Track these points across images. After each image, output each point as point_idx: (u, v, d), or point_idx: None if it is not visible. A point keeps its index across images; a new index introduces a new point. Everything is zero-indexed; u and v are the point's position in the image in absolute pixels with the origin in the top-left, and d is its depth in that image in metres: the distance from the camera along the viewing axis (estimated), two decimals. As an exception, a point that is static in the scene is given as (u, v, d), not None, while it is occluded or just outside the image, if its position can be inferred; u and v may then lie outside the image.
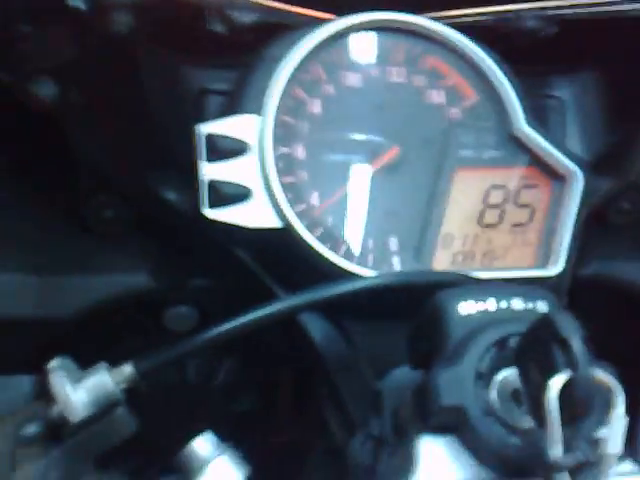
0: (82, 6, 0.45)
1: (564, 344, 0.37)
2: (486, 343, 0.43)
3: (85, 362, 0.67)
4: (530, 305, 0.46)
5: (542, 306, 0.46)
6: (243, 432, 0.73)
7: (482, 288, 0.48)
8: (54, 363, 0.54)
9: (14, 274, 0.62)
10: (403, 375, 0.51)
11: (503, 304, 0.46)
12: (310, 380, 0.67)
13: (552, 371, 0.37)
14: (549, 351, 0.37)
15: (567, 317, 0.38)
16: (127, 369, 0.55)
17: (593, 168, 0.65)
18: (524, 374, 0.40)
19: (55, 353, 0.65)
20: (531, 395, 0.39)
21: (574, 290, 0.64)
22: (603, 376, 0.38)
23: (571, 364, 0.37)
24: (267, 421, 0.78)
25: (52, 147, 0.60)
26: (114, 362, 0.71)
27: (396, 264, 0.61)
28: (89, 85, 0.55)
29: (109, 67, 0.55)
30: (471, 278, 0.56)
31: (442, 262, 0.62)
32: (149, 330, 0.69)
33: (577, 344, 0.37)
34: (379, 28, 0.64)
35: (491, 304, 0.46)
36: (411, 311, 0.48)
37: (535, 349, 0.39)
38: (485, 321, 0.45)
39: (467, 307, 0.46)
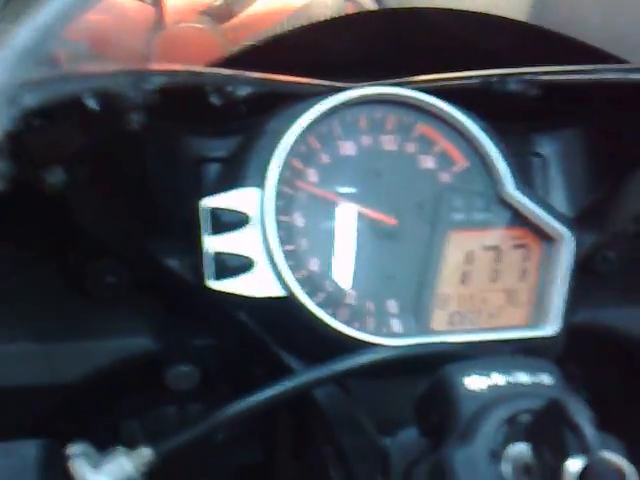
0: (96, 107, 0.46)
1: (576, 429, 0.39)
2: (498, 421, 0.45)
3: (86, 424, 0.68)
4: (536, 379, 0.48)
5: (547, 379, 0.48)
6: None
7: (487, 361, 0.50)
8: (74, 449, 0.55)
9: (18, 343, 0.63)
10: (411, 438, 0.53)
11: (510, 378, 0.48)
12: (310, 431, 0.68)
13: (565, 455, 0.39)
14: (561, 435, 0.39)
15: (576, 402, 0.40)
16: (146, 453, 0.56)
17: (578, 223, 0.67)
18: (537, 454, 0.42)
19: (58, 416, 0.66)
20: (545, 476, 0.41)
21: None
22: (617, 460, 0.40)
23: (584, 449, 0.39)
24: (267, 477, 0.79)
25: (51, 214, 0.60)
26: (116, 423, 0.72)
27: (396, 326, 0.63)
28: (94, 166, 0.56)
29: (114, 149, 0.57)
30: (474, 346, 0.57)
31: (440, 322, 0.64)
32: (150, 388, 0.70)
33: (589, 430, 0.39)
34: (371, 101, 0.66)
35: (498, 379, 0.48)
36: (411, 369, 0.50)
37: (547, 432, 0.41)
38: (494, 397, 0.46)
39: (475, 382, 0.47)
